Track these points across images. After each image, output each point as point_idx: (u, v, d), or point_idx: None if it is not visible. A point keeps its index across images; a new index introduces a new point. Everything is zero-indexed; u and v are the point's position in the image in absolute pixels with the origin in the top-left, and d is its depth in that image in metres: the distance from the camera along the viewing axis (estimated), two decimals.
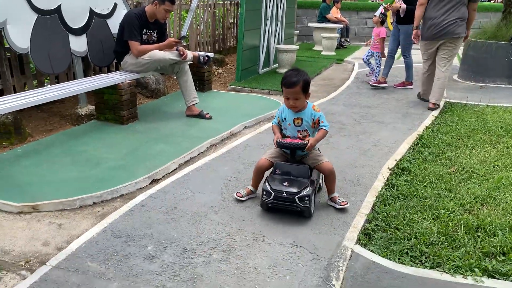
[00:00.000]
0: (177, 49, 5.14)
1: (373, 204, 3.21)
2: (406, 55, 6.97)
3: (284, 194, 2.81)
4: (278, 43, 8.82)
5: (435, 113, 5.73)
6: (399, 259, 2.58)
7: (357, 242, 2.74)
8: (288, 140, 2.97)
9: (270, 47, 8.41)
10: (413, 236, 2.80)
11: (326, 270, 2.44)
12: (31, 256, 2.58)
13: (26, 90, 4.67)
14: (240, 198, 3.13)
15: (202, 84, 6.54)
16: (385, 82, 7.20)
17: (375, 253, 2.63)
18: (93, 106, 5.07)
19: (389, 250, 2.67)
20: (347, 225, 2.92)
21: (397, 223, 2.95)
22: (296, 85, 2.87)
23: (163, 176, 3.70)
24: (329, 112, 5.72)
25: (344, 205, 3.04)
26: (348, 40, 13.17)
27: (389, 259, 2.57)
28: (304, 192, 2.82)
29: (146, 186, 3.51)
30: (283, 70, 8.23)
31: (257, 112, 5.50)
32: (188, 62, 5.40)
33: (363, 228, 2.90)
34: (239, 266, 2.45)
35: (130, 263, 2.44)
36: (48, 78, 5.48)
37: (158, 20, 5.10)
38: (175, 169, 3.85)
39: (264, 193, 2.88)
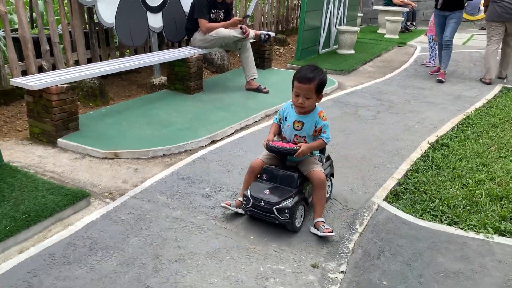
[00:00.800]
0: (240, 28, 5.64)
1: (406, 171, 3.54)
2: (451, 41, 6.56)
3: (262, 203, 2.54)
4: (340, 25, 9.05)
5: (489, 96, 5.80)
6: (420, 216, 2.93)
7: (384, 200, 3.11)
8: (278, 144, 2.64)
9: (331, 28, 8.68)
10: (438, 199, 3.12)
11: (352, 218, 2.86)
12: (113, 189, 3.22)
13: (110, 60, 5.40)
14: (228, 207, 2.77)
15: (263, 61, 7.01)
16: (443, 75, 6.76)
17: (399, 209, 3.00)
18: (165, 77, 5.72)
19: (413, 208, 3.02)
20: (378, 186, 3.29)
21: (425, 188, 3.28)
22: (311, 81, 2.54)
23: (222, 138, 4.24)
24: (382, 92, 5.98)
25: (328, 232, 2.55)
26: (414, 24, 12.99)
27: (411, 215, 2.93)
28: (283, 204, 2.50)
29: (206, 145, 4.07)
30: (343, 51, 8.49)
31: None
32: (250, 40, 5.88)
33: (392, 189, 3.26)
34: None
35: (191, 198, 3.00)
36: (128, 50, 6.21)
37: (225, 0, 5.61)
38: (232, 133, 4.38)
39: (244, 198, 2.64)
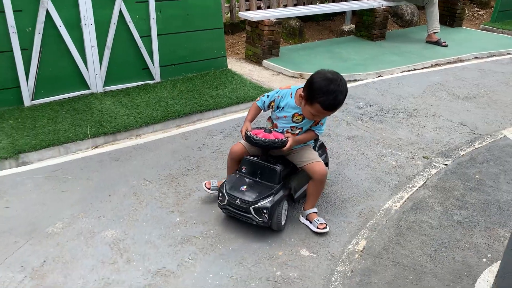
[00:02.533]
0: None
1: None
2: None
3: (238, 201, 2.21)
4: None
5: None
6: None
7: None
8: (260, 134, 2.24)
9: None
10: None
11: (474, 139, 3.45)
12: None
13: (311, 5, 6.57)
14: (208, 191, 2.56)
15: (453, 19, 7.24)
16: None
17: None
18: (354, 25, 6.64)
19: None
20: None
21: None
22: (337, 109, 2.19)
23: (387, 75, 5.04)
24: None
25: (322, 228, 2.31)
26: None
27: None
28: (261, 203, 2.17)
29: (373, 78, 4.93)
30: None
31: (493, 47, 6.04)
32: None
33: None
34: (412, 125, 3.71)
35: (348, 109, 4.00)
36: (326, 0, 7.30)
37: None
38: (398, 73, 5.12)
39: (220, 194, 2.30)
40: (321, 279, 2.05)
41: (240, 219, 2.26)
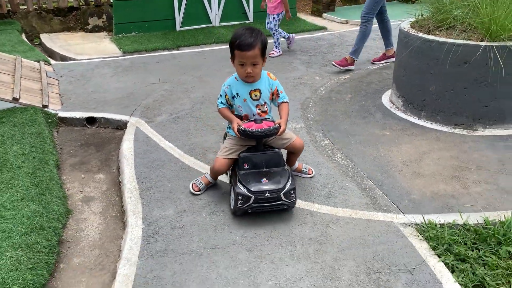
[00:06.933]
0: None
1: None
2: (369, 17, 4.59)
3: (268, 194, 2.22)
4: None
5: None
6: None
7: None
8: (255, 127, 2.29)
9: None
10: None
11: None
12: None
13: None
14: (197, 193, 2.51)
15: None
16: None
17: None
18: None
19: None
20: None
21: None
22: (254, 46, 2.22)
23: None
24: None
25: (312, 173, 2.68)
26: None
27: None
28: (288, 186, 2.25)
29: None
30: None
31: None
32: None
33: None
34: None
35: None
36: None
37: None
38: None
39: (240, 197, 2.23)
40: (299, 103, 4.39)
41: (269, 210, 2.27)
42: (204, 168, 2.78)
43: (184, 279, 1.90)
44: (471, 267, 1.97)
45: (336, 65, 4.65)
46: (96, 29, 6.70)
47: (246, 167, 2.32)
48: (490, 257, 2.01)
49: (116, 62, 5.10)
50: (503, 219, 2.23)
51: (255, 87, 2.35)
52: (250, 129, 2.26)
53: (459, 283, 1.88)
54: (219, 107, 2.44)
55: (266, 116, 2.42)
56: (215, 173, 2.47)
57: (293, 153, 2.55)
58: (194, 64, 4.97)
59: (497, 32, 3.01)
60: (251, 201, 2.20)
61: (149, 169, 2.78)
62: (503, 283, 1.88)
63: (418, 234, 2.17)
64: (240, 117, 2.41)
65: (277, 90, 2.41)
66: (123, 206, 2.51)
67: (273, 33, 5.27)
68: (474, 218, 2.25)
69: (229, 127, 2.46)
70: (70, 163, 3.06)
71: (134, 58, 5.27)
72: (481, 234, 2.13)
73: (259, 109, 2.39)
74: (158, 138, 3.21)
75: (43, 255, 2.01)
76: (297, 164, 2.65)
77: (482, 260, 2.00)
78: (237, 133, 2.30)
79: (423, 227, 2.21)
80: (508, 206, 2.36)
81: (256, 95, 2.36)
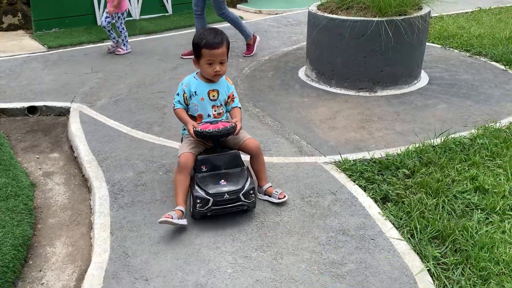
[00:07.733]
0: None
1: None
2: (224, 12, 4.93)
3: (227, 195, 2.19)
4: None
5: None
6: None
7: None
8: (212, 127, 2.28)
9: None
10: None
11: None
12: None
13: None
14: (171, 220, 2.15)
15: None
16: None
17: None
18: None
19: None
20: None
21: None
22: (222, 44, 2.27)
23: None
24: None
25: (283, 197, 2.40)
26: None
27: None
28: (247, 186, 2.23)
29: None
30: None
31: None
32: None
33: None
34: None
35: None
36: None
37: None
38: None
39: (198, 201, 2.19)
40: (238, 71, 4.88)
41: (228, 212, 2.23)
42: (153, 139, 3.13)
43: (155, 220, 2.27)
44: (378, 186, 2.56)
45: (247, 54, 5.14)
46: (12, 28, 6.58)
47: (204, 169, 2.29)
48: (391, 179, 2.62)
49: (44, 57, 5.17)
50: (399, 152, 2.87)
51: (214, 88, 2.39)
52: (207, 130, 2.25)
53: (370, 197, 2.45)
54: (175, 108, 2.41)
55: (221, 118, 2.43)
56: (181, 168, 2.27)
57: (252, 158, 2.44)
58: (122, 54, 5.20)
59: (386, 9, 3.70)
60: (210, 203, 2.17)
61: (102, 144, 3.07)
62: (401, 194, 2.50)
63: (337, 168, 2.73)
64: (194, 118, 2.41)
65: (233, 95, 2.46)
66: (84, 175, 2.80)
67: (120, 31, 5.19)
68: (379, 154, 2.86)
69: (184, 129, 2.46)
70: (21, 147, 3.24)
71: (61, 52, 5.36)
72: (384, 164, 2.75)
73: (214, 110, 2.41)
74: (104, 118, 3.48)
75: (23, 215, 2.28)
76: (267, 186, 2.44)
77: (386, 182, 2.61)
78: (193, 135, 2.28)
79: (340, 163, 2.78)
80: (402, 143, 3.01)
81: (214, 96, 2.39)
